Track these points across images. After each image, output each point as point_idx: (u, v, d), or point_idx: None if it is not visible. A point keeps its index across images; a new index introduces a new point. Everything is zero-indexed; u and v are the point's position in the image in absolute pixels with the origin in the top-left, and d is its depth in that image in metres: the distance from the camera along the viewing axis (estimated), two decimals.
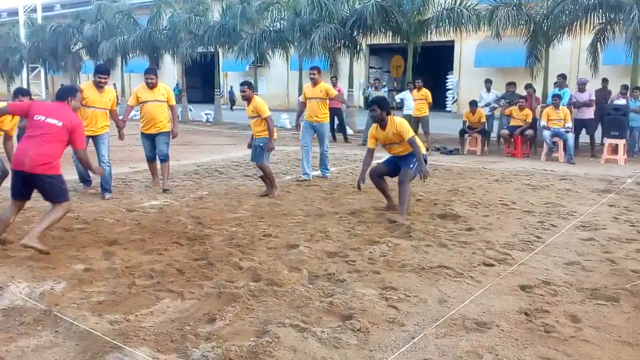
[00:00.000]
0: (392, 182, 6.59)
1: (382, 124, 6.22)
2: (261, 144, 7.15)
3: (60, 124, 4.74)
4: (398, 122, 6.17)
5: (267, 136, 7.11)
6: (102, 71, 7.09)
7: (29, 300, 3.67)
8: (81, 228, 5.50)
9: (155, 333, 3.20)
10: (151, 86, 7.48)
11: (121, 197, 7.20)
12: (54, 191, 4.74)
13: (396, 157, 6.43)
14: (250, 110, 7.18)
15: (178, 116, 8.86)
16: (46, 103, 5.25)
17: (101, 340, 3.09)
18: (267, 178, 7.26)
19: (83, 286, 3.97)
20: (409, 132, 6.10)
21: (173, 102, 7.80)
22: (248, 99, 7.12)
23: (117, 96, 7.59)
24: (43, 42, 26.35)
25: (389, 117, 6.20)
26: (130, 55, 23.99)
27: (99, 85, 6.94)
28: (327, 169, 8.89)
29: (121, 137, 7.58)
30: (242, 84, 7.26)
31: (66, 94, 5.04)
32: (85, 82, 7.60)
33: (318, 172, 8.99)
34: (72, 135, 4.78)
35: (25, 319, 3.41)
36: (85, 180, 7.48)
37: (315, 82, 8.44)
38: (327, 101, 8.60)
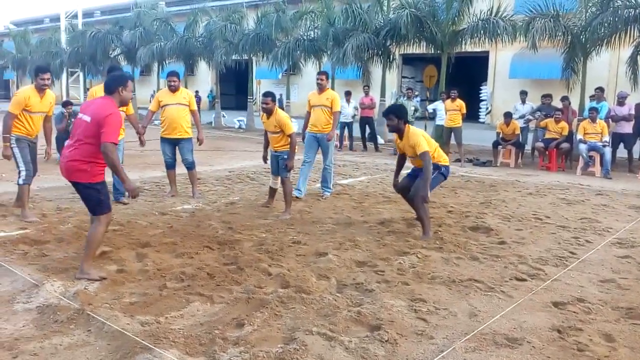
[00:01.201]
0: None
1: (400, 134, 5.89)
2: (285, 156, 6.60)
3: (89, 119, 4.15)
4: (413, 135, 5.77)
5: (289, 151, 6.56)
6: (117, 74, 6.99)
7: (63, 299, 3.76)
8: (115, 230, 5.60)
9: (184, 336, 3.25)
10: (173, 89, 7.33)
11: (154, 200, 7.32)
12: (90, 202, 4.29)
13: (417, 169, 6.01)
14: (272, 125, 6.56)
15: (210, 122, 8.64)
16: (88, 100, 4.75)
17: (132, 340, 3.14)
18: (285, 196, 6.66)
19: (115, 287, 4.05)
20: (421, 147, 5.67)
21: (195, 106, 7.60)
22: (270, 112, 6.51)
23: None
24: (83, 48, 27.08)
25: (406, 126, 5.84)
26: (167, 62, 24.46)
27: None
28: (329, 188, 7.90)
29: (142, 143, 7.38)
30: (265, 95, 6.56)
31: (116, 83, 4.29)
32: (97, 85, 7.45)
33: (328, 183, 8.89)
34: (101, 127, 4.04)
35: (59, 317, 3.50)
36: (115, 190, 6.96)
37: (322, 89, 7.74)
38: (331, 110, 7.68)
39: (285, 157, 6.60)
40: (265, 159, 7.11)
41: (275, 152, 6.75)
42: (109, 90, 4.29)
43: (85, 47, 26.60)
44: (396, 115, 5.83)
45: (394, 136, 6.12)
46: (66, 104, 11.28)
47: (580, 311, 3.81)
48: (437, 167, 5.94)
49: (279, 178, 6.85)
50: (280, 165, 6.67)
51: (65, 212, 6.40)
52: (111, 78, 4.45)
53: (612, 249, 5.46)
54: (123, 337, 3.20)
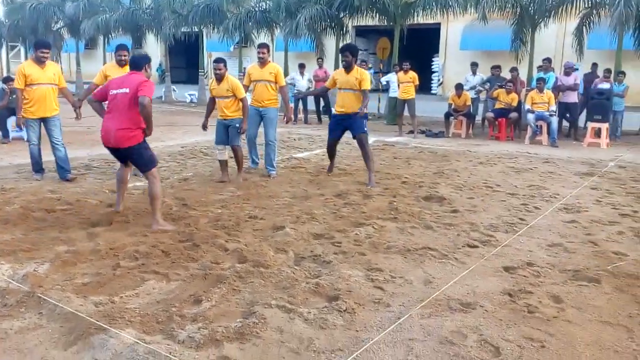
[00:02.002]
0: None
1: (348, 70, 6.91)
2: (237, 125, 6.79)
3: (127, 90, 4.76)
4: (363, 72, 6.94)
5: (242, 117, 6.79)
6: (45, 45, 6.84)
7: (12, 282, 3.63)
8: (64, 209, 5.43)
9: (140, 314, 3.19)
10: (123, 64, 6.84)
11: (104, 177, 7.12)
12: (143, 159, 4.91)
13: (341, 118, 7.10)
14: (224, 90, 6.71)
15: (160, 97, 8.42)
16: (118, 77, 5.19)
17: (86, 321, 3.07)
18: (237, 162, 6.95)
19: (67, 268, 3.93)
20: (368, 83, 6.88)
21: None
22: (221, 78, 6.69)
23: (62, 70, 7.17)
24: (23, 20, 25.66)
25: (355, 64, 6.94)
26: (113, 35, 23.56)
27: (40, 60, 6.69)
28: (273, 167, 7.45)
29: (78, 116, 7.08)
30: (217, 61, 6.72)
31: (144, 61, 4.99)
32: (25, 61, 7.15)
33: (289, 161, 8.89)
34: (139, 89, 4.68)
35: (8, 300, 3.38)
36: (40, 169, 7.02)
37: (263, 63, 7.38)
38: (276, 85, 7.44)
39: (237, 125, 6.79)
40: (205, 127, 7.15)
41: (225, 120, 6.83)
42: (138, 67, 4.94)
43: (26, 19, 25.20)
44: (351, 53, 6.91)
45: (335, 72, 7.42)
46: (7, 80, 10.73)
47: (530, 275, 3.95)
48: (365, 116, 7.03)
49: (226, 149, 6.94)
50: (231, 134, 6.80)
51: (10, 192, 6.15)
52: (138, 57, 5.11)
53: (559, 215, 5.67)
54: (76, 318, 3.12)
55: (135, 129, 4.78)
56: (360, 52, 25.81)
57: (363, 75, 6.83)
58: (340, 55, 7.14)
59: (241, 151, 6.95)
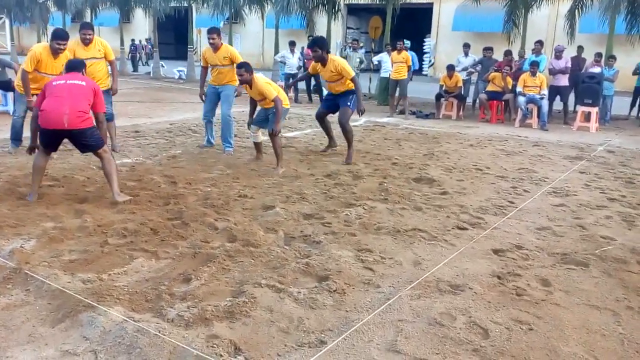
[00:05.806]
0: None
1: (323, 63, 6.85)
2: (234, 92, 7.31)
3: (84, 84, 4.98)
4: (338, 61, 6.88)
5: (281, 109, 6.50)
6: (62, 37, 6.47)
7: None
8: (51, 185, 5.36)
9: (129, 292, 3.17)
10: (87, 42, 6.83)
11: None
12: (96, 140, 5.04)
13: (334, 95, 7.19)
14: (257, 94, 6.45)
15: (149, 72, 8.34)
16: (60, 76, 5.37)
17: (74, 299, 3.04)
18: (275, 152, 6.52)
19: (54, 244, 3.89)
20: (348, 71, 6.81)
21: (112, 56, 7.12)
22: (248, 82, 6.33)
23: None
24: None
25: (328, 55, 6.86)
26: (100, 8, 23.14)
27: (56, 52, 6.46)
28: (229, 143, 7.46)
29: None
30: (238, 67, 6.43)
31: (81, 65, 5.31)
32: (42, 44, 6.97)
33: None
34: (95, 97, 4.99)
35: None
36: (18, 139, 7.06)
37: (216, 47, 7.36)
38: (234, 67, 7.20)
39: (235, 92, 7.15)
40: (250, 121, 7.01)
41: (267, 109, 6.62)
42: (76, 69, 5.18)
43: None
44: (320, 47, 6.82)
45: (313, 63, 7.09)
46: None
47: (519, 258, 3.97)
48: (352, 91, 7.00)
49: (260, 130, 6.80)
50: (270, 120, 6.48)
51: None
52: (75, 61, 5.49)
53: (548, 198, 5.70)
54: (64, 295, 3.09)
55: (88, 112, 4.99)
56: (352, 30, 25.61)
57: (340, 66, 6.79)
58: (310, 50, 7.25)
59: (278, 139, 6.44)
